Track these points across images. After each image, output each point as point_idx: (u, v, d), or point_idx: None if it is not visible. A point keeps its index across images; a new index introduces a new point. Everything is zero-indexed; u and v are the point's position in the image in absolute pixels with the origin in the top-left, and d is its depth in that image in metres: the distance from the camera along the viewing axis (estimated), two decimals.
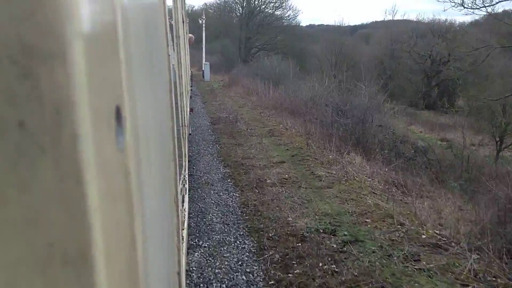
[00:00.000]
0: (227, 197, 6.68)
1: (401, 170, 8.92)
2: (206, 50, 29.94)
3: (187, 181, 5.09)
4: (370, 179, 7.55)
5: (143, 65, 0.87)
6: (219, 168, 8.26)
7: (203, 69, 29.22)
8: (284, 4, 46.73)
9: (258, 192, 6.83)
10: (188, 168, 6.43)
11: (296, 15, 49.96)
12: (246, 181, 7.41)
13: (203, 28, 30.39)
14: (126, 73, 0.55)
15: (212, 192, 6.91)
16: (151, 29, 1.17)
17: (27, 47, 0.34)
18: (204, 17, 31.59)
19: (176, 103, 2.84)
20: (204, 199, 6.60)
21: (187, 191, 5.00)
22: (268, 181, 7.32)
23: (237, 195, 6.76)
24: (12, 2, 0.34)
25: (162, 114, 1.45)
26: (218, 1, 49.01)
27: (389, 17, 43.24)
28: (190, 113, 9.41)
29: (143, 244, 0.64)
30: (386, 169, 8.56)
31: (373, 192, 6.79)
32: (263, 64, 26.51)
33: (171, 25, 4.02)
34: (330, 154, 9.08)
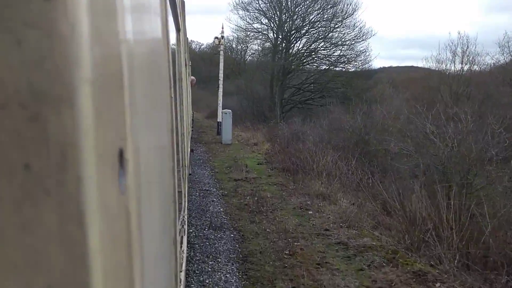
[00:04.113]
0: None
1: None
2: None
3: (185, 222, 5.03)
4: None
5: (146, 107, 0.89)
6: None
7: (219, 120, 17.35)
8: (346, 19, 28.72)
9: None
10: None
11: (363, 35, 28.85)
12: None
13: (221, 54, 19.24)
14: (130, 116, 0.56)
15: None
16: (155, 72, 1.19)
17: (37, 92, 0.36)
18: (223, 33, 19.37)
19: (177, 143, 2.86)
20: None
21: (186, 232, 4.94)
22: None
23: None
24: (23, 50, 0.35)
25: (163, 155, 1.46)
26: (232, 36, 34.89)
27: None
28: (190, 153, 9.40)
29: (141, 287, 0.63)
30: None
31: None
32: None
33: (174, 68, 4.10)
34: None
